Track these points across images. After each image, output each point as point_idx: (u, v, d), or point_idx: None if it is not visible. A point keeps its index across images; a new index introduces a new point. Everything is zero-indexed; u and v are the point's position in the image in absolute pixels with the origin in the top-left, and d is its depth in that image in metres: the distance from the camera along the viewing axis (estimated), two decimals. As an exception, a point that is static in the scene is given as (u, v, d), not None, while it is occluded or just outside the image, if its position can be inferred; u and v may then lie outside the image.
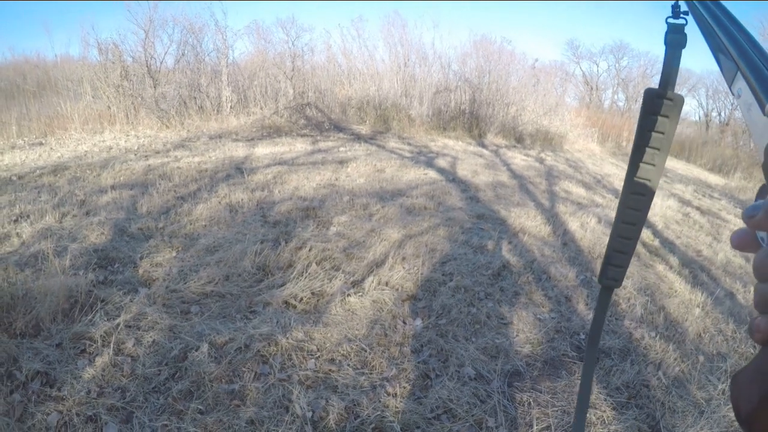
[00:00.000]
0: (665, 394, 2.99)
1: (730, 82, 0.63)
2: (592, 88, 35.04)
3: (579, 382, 2.98)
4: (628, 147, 21.12)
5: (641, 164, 0.92)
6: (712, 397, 3.01)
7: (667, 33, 0.88)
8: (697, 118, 31.95)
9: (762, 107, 0.53)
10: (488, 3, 47.42)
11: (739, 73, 0.60)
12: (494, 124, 15.77)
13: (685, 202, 9.80)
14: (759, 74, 0.56)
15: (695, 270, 5.45)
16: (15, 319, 2.93)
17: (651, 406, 2.87)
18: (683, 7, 0.86)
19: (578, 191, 8.96)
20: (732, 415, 2.80)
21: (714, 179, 16.93)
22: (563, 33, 59.30)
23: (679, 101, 0.87)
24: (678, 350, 3.51)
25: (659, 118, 0.88)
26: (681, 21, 0.87)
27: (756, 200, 0.52)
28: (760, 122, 0.53)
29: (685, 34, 0.87)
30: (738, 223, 9.01)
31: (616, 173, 12.83)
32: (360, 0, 33.08)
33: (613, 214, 6.01)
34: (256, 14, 35.16)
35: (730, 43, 0.64)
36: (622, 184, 0.97)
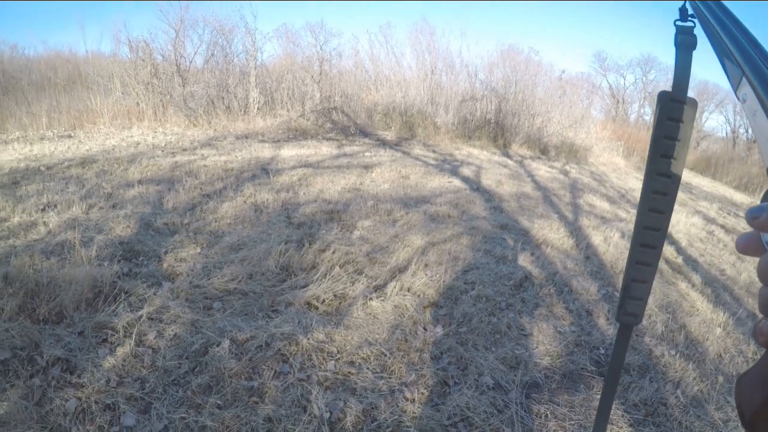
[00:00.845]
0: (683, 413, 2.94)
1: (736, 87, 0.63)
2: (618, 101, 34.84)
3: (598, 396, 2.94)
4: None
5: (658, 177, 0.89)
6: (730, 419, 2.96)
7: (676, 35, 0.87)
8: (724, 135, 31.57)
9: (766, 112, 0.52)
10: (516, 11, 47.49)
11: (744, 78, 0.60)
12: (519, 135, 15.72)
13: (709, 220, 9.70)
14: (764, 80, 0.56)
15: (717, 289, 5.37)
16: (39, 305, 2.97)
17: (668, 424, 2.82)
18: (690, 10, 0.85)
19: (602, 205, 8.90)
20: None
21: (740, 197, 16.77)
22: (591, 45, 59.27)
23: (693, 105, 0.85)
24: (697, 369, 3.45)
25: (675, 123, 0.86)
26: (689, 23, 0.86)
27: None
28: (765, 127, 0.53)
29: (695, 36, 0.85)
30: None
31: (641, 188, 12.74)
32: (389, 0, 33.14)
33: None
34: (286, 18, 35.43)
35: (735, 47, 0.64)
36: (638, 202, 0.93)
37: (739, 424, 2.41)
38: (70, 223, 4.40)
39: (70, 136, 9.30)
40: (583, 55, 56.76)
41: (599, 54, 37.36)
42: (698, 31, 0.84)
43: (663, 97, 0.85)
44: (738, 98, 0.62)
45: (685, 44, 0.87)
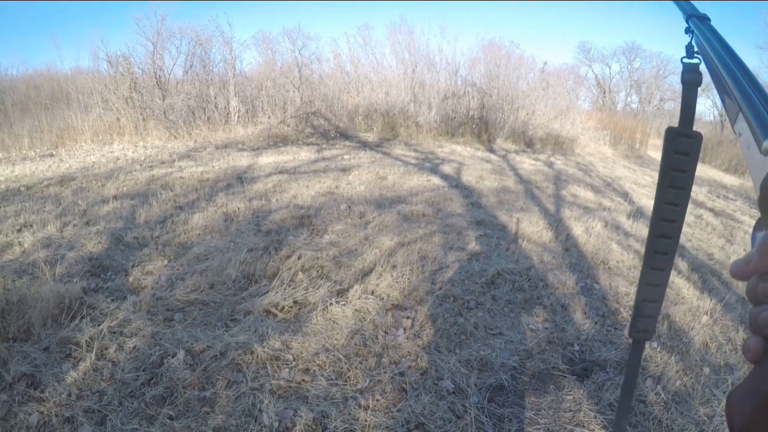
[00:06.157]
0: (664, 410, 2.79)
1: (733, 122, 0.67)
2: (604, 91, 34.89)
3: (568, 396, 2.89)
4: (642, 149, 20.92)
5: (666, 206, 0.95)
6: (716, 414, 2.79)
7: (683, 72, 0.93)
8: (711, 118, 31.67)
9: (759, 145, 0.56)
10: (495, 5, 47.60)
11: (740, 113, 0.64)
12: (504, 129, 15.76)
13: (698, 204, 9.67)
14: (758, 115, 0.59)
15: (705, 274, 5.24)
16: (9, 324, 3.01)
17: (646, 424, 2.66)
18: (696, 47, 0.90)
19: (586, 195, 8.91)
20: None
21: (729, 180, 16.78)
22: (574, 36, 59.76)
23: (699, 138, 0.91)
24: (681, 362, 3.30)
25: (681, 156, 0.92)
26: (695, 60, 0.92)
27: (753, 233, 0.56)
28: (758, 160, 0.56)
29: (701, 73, 0.91)
30: (751, 223, 8.89)
31: (628, 176, 12.73)
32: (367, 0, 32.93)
33: (621, 218, 5.84)
34: (263, 24, 35.31)
35: (734, 85, 0.68)
36: (648, 228, 1.00)
37: (725, 420, 2.41)
38: (44, 242, 4.45)
39: (51, 155, 9.37)
40: (566, 47, 57.10)
41: (583, 44, 37.43)
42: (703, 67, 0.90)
43: (670, 132, 0.92)
44: (735, 132, 0.66)
45: (690, 82, 0.94)
